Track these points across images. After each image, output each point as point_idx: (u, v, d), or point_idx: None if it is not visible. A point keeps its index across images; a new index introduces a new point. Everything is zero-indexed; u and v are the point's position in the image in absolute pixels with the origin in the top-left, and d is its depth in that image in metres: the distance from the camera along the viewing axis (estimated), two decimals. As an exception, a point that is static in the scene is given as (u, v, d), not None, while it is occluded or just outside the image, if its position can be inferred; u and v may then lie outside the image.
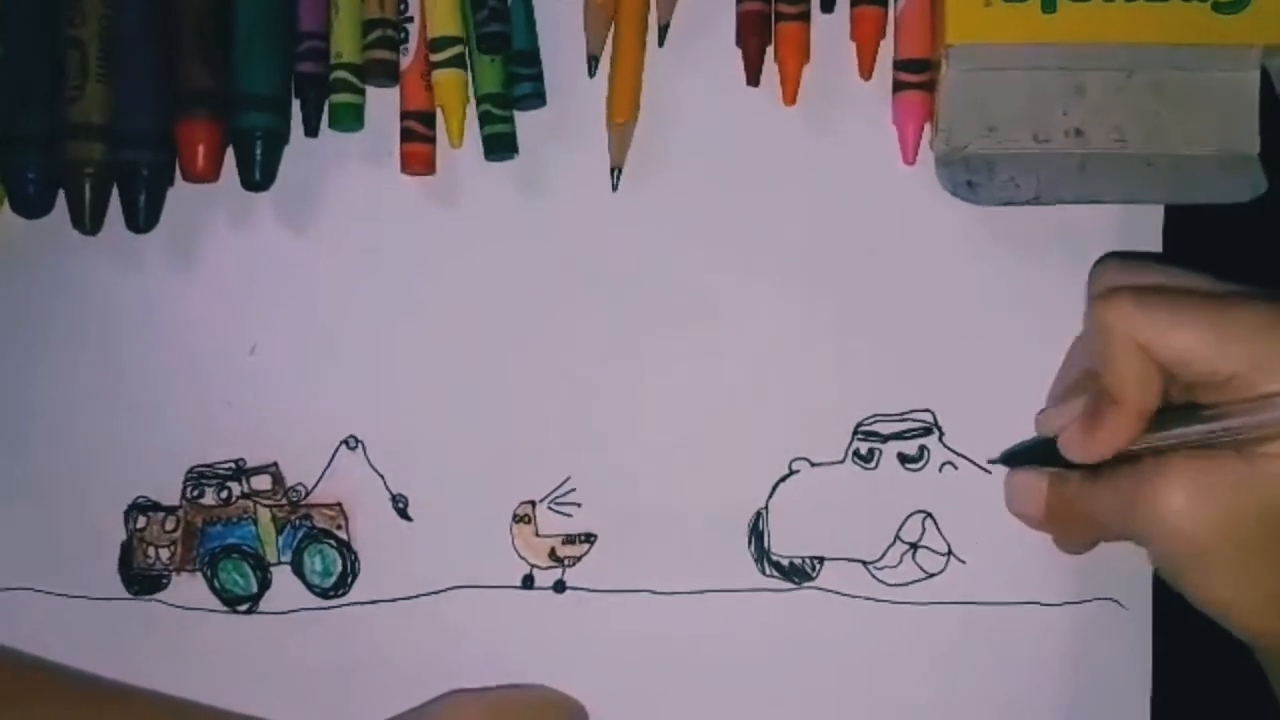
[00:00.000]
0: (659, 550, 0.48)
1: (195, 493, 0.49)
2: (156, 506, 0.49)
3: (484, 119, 0.48)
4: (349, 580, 0.49)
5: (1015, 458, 0.46)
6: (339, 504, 0.49)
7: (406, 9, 0.48)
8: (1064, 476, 0.43)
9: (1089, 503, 0.42)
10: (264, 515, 0.49)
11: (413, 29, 0.48)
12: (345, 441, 0.49)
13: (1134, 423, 0.40)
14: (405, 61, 0.48)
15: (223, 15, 0.47)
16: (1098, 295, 0.41)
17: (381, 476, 0.49)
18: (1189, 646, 0.46)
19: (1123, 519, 0.41)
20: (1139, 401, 0.40)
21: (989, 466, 0.47)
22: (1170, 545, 0.40)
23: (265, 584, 0.49)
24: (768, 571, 0.48)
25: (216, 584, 0.49)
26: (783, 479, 0.48)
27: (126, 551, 0.49)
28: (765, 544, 0.47)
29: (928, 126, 0.47)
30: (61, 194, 0.48)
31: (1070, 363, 0.46)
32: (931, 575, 0.47)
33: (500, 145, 0.48)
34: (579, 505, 0.48)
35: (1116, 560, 0.45)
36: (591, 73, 0.48)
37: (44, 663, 0.49)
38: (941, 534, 0.47)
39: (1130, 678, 0.47)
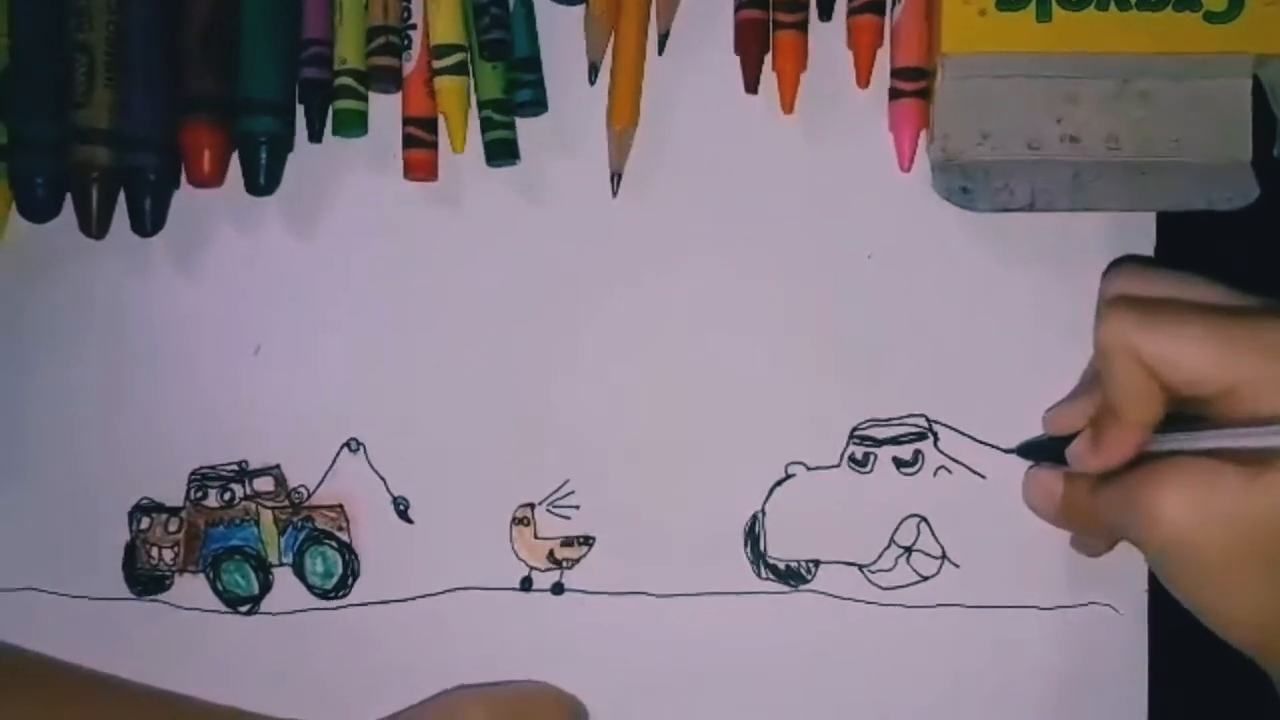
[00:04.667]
0: (656, 553, 0.48)
1: (199, 494, 0.50)
2: (160, 508, 0.50)
3: (486, 125, 0.48)
4: (350, 582, 0.49)
5: (1031, 449, 0.46)
6: (340, 506, 0.49)
7: (409, 16, 0.48)
8: (1077, 476, 0.44)
9: (1096, 505, 0.42)
10: (266, 517, 0.49)
11: (416, 36, 0.48)
12: (347, 444, 0.49)
13: (1136, 435, 0.40)
14: (408, 68, 0.48)
15: (228, 21, 0.48)
16: (1101, 307, 0.41)
17: (383, 479, 0.49)
18: (1184, 651, 0.46)
19: (1124, 528, 0.41)
20: (1138, 415, 0.40)
21: (982, 471, 0.47)
22: (1168, 558, 0.39)
23: (267, 585, 0.49)
24: (764, 574, 0.48)
25: (219, 585, 0.50)
26: (779, 483, 0.48)
27: (130, 552, 0.50)
28: (761, 547, 0.48)
29: (924, 134, 0.47)
30: (69, 198, 0.49)
31: (1090, 365, 0.46)
32: (926, 578, 0.47)
33: (502, 151, 0.48)
34: (577, 508, 0.48)
35: (1111, 565, 0.46)
36: (592, 80, 0.48)
37: (38, 655, 0.50)
38: (936, 538, 0.47)
39: (1125, 683, 0.47)
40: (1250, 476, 0.38)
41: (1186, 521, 0.38)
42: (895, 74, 0.47)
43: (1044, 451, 0.46)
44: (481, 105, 0.48)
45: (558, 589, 0.48)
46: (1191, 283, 0.42)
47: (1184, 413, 0.40)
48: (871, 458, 0.47)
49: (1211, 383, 0.39)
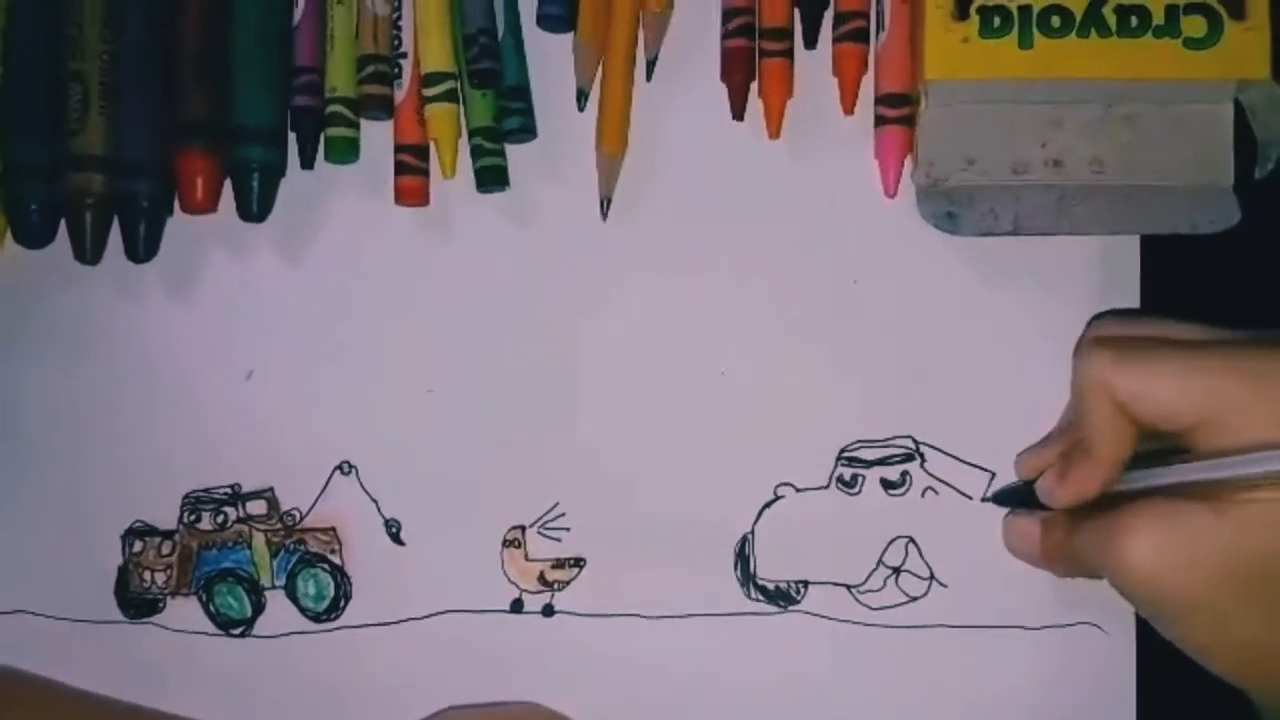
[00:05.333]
0: (646, 574, 0.48)
1: (192, 517, 0.50)
2: (153, 531, 0.50)
3: (476, 152, 0.48)
4: (341, 604, 0.49)
5: (1005, 497, 0.47)
6: (333, 528, 0.49)
7: (400, 45, 0.49)
8: (1053, 521, 0.44)
9: (1071, 547, 0.43)
10: (259, 539, 0.50)
11: (406, 64, 0.49)
12: (339, 467, 0.49)
13: (1103, 472, 0.41)
14: (399, 95, 0.49)
15: (220, 49, 0.48)
16: (1079, 348, 0.42)
17: (375, 501, 0.49)
18: (1172, 671, 0.46)
19: (1099, 572, 0.41)
20: (1108, 452, 0.41)
21: (969, 492, 0.47)
22: (1143, 600, 0.40)
23: (259, 608, 0.49)
24: (753, 595, 0.48)
25: (211, 608, 0.50)
26: (768, 504, 0.48)
27: (123, 575, 0.50)
28: (751, 568, 0.48)
29: (909, 159, 0.47)
30: (63, 224, 0.49)
31: (1067, 410, 0.46)
32: (914, 599, 0.47)
33: (492, 178, 0.48)
34: (568, 530, 0.49)
35: (1098, 585, 0.45)
36: (581, 106, 0.49)
37: (30, 675, 0.50)
38: (924, 558, 0.47)
39: (1113, 703, 0.47)
40: (1218, 511, 0.38)
41: (1155, 565, 0.38)
42: (880, 101, 0.47)
43: (1017, 498, 0.46)
44: (472, 132, 0.48)
45: (548, 611, 0.49)
46: (1171, 325, 0.42)
47: (1162, 447, 0.40)
48: (860, 479, 0.48)
49: (1183, 416, 0.39)
